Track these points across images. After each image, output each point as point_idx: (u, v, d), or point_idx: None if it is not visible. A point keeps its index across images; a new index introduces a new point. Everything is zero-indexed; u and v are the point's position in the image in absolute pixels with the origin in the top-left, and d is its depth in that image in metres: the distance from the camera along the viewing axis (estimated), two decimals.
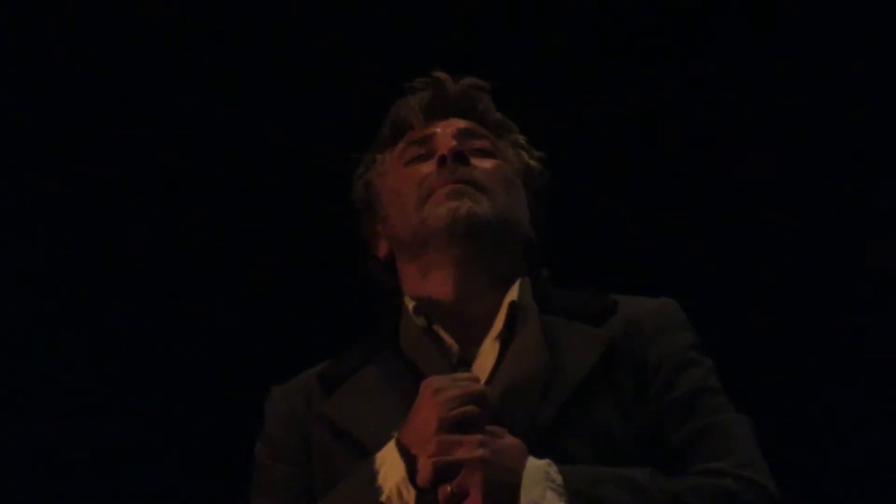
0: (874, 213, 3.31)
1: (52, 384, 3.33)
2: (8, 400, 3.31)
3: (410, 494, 1.87)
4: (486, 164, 2.18)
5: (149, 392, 3.31)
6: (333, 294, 3.17)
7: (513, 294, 2.09)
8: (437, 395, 1.89)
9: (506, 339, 2.04)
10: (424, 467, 1.85)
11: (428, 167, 2.16)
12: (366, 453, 1.94)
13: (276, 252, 3.35)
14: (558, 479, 1.83)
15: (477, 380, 1.94)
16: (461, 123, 2.23)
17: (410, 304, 2.12)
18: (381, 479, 1.89)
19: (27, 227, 3.37)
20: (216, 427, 3.21)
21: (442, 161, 2.14)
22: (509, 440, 1.86)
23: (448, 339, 2.08)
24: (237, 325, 3.33)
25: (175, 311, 3.35)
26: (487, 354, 2.04)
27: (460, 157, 2.14)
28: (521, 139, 2.29)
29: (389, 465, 1.89)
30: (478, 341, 2.06)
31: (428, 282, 2.13)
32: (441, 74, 2.27)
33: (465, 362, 2.05)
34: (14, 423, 3.30)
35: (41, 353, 3.34)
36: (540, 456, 1.85)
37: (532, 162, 2.27)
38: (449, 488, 1.83)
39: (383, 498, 1.88)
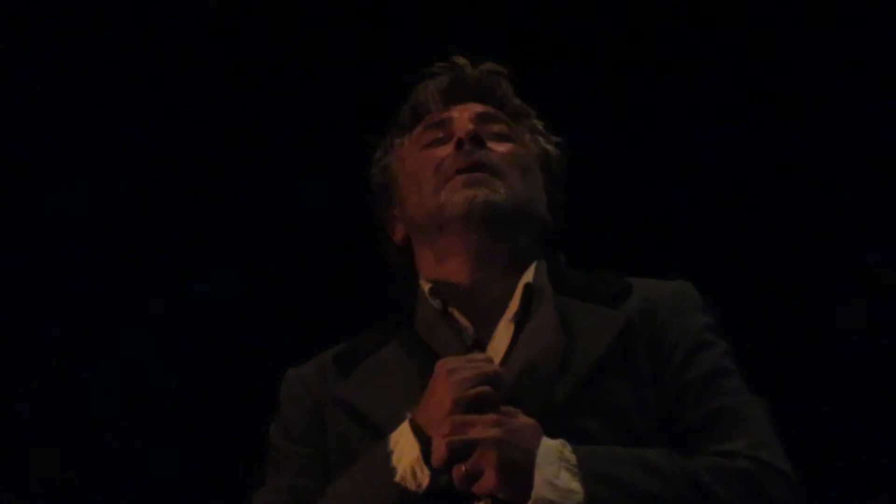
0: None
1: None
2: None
3: (425, 474, 1.87)
4: (503, 148, 2.18)
5: (165, 379, 3.32)
6: (349, 278, 3.18)
7: (528, 276, 2.09)
8: (452, 375, 1.89)
9: (521, 320, 2.04)
10: (439, 447, 1.84)
11: (445, 151, 2.17)
12: (381, 434, 1.94)
13: (294, 237, 3.35)
14: (572, 458, 1.83)
15: (491, 361, 1.94)
16: (479, 108, 2.23)
17: (426, 287, 2.12)
18: (395, 459, 1.89)
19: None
20: (232, 409, 3.22)
21: (459, 144, 2.14)
22: (523, 420, 1.86)
23: (463, 321, 2.08)
24: (253, 309, 3.34)
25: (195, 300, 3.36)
26: (502, 336, 2.04)
27: (477, 140, 2.15)
28: (539, 124, 2.29)
29: (404, 446, 1.89)
30: (493, 323, 2.06)
31: (444, 266, 2.14)
32: (460, 59, 2.28)
33: (480, 344, 2.05)
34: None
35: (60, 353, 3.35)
36: (555, 436, 1.85)
37: (549, 147, 2.27)
38: (463, 468, 1.83)
39: (398, 478, 1.88)
